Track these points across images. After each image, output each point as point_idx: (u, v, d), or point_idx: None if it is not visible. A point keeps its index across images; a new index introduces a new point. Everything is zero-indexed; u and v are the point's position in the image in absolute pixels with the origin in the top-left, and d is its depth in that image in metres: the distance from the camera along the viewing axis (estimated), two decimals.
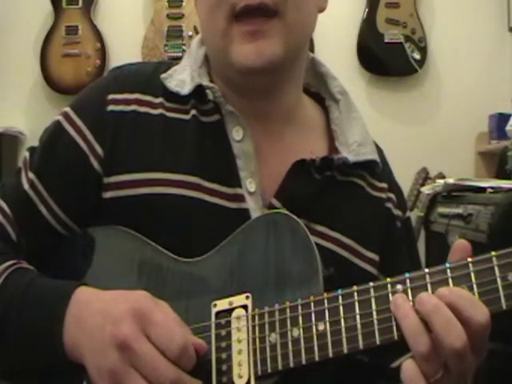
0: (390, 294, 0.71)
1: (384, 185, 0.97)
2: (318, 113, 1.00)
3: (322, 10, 0.94)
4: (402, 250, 0.98)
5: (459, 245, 0.72)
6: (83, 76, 3.35)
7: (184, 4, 3.33)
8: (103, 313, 0.74)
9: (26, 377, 0.83)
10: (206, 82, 0.90)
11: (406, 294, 0.71)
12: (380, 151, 1.00)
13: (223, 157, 0.89)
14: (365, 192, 0.95)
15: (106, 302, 0.76)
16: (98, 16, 3.48)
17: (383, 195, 0.97)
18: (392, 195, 0.98)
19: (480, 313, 0.66)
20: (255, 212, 0.86)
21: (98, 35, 3.41)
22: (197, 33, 3.25)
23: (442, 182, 2.53)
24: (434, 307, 0.66)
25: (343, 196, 0.92)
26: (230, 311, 0.78)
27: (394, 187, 1.00)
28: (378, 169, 0.95)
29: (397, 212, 0.98)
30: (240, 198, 0.87)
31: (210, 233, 0.84)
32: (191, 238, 0.85)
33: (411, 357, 0.68)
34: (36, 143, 0.95)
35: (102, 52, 3.40)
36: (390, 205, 0.97)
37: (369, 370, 0.91)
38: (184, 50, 3.22)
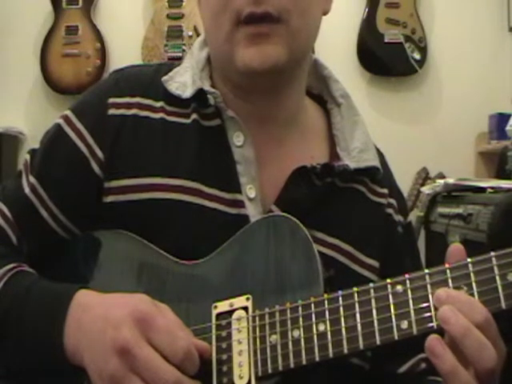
0: (391, 295, 0.71)
1: (385, 190, 0.97)
2: (320, 116, 0.99)
3: (326, 12, 0.94)
4: (404, 255, 0.97)
5: (454, 249, 0.72)
6: (83, 76, 3.35)
7: (184, 4, 3.32)
8: (104, 317, 0.74)
9: (27, 378, 0.83)
10: (207, 87, 0.90)
11: (406, 295, 0.71)
12: (381, 155, 1.00)
13: (223, 162, 0.89)
14: (365, 198, 0.94)
15: (106, 306, 0.76)
16: (98, 16, 3.48)
17: (384, 201, 0.96)
18: (393, 200, 0.98)
19: (478, 313, 0.67)
20: (255, 218, 0.86)
21: (98, 35, 3.41)
22: (197, 33, 3.25)
23: (441, 181, 2.53)
24: (465, 330, 0.66)
25: (343, 202, 0.92)
26: (230, 313, 0.78)
27: (395, 192, 1.00)
28: (379, 175, 0.95)
29: (398, 217, 0.98)
30: (240, 204, 0.87)
31: (209, 238, 0.84)
32: (191, 243, 0.85)
33: None
34: (36, 143, 0.95)
35: (102, 52, 3.40)
36: (390, 210, 0.97)
37: (372, 377, 0.91)
38: (184, 50, 3.22)
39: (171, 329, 0.73)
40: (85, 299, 0.79)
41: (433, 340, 0.67)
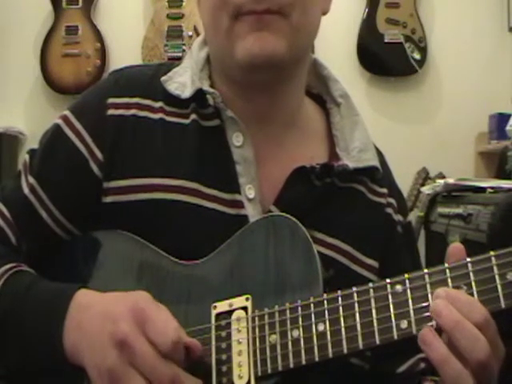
0: (390, 295, 0.71)
1: (384, 190, 0.97)
2: (320, 116, 0.99)
3: (325, 12, 0.94)
4: (404, 255, 0.97)
5: (454, 248, 0.72)
6: (83, 76, 3.35)
7: (184, 4, 3.33)
8: (103, 313, 0.75)
9: (27, 378, 0.83)
10: (206, 87, 0.90)
11: (406, 295, 0.71)
12: (380, 155, 1.00)
13: (223, 162, 0.89)
14: (365, 198, 0.94)
15: (105, 304, 0.76)
16: (98, 16, 3.48)
17: (383, 201, 0.96)
18: (392, 200, 0.98)
19: (477, 313, 0.67)
20: (254, 218, 0.86)
21: (98, 35, 3.41)
22: (197, 33, 3.25)
23: (441, 181, 2.53)
24: (457, 324, 0.66)
25: (343, 202, 0.92)
26: (230, 313, 0.78)
27: (395, 192, 1.00)
28: (378, 174, 0.95)
29: (397, 217, 0.98)
30: (239, 205, 0.87)
31: (208, 238, 0.84)
32: (190, 243, 0.85)
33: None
34: (36, 143, 0.95)
35: (102, 52, 3.40)
36: (390, 210, 0.97)
37: (372, 376, 0.91)
38: (184, 50, 3.22)
39: (163, 319, 0.72)
40: (85, 298, 0.79)
41: (424, 330, 0.68)
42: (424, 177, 3.14)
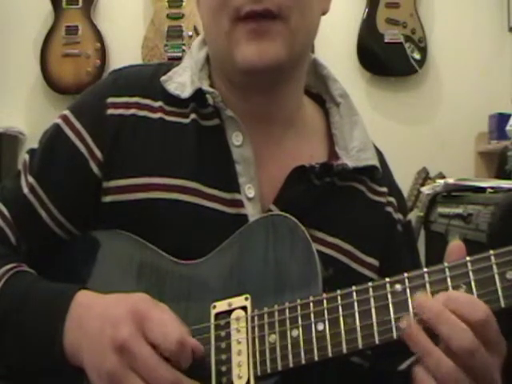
0: (389, 294, 0.71)
1: (384, 189, 0.97)
2: (319, 115, 0.99)
3: (325, 12, 0.94)
4: (403, 253, 0.98)
5: (454, 247, 0.72)
6: (83, 76, 3.35)
7: (184, 4, 3.33)
8: (102, 315, 0.75)
9: (27, 378, 0.83)
10: (206, 87, 0.90)
11: (405, 294, 0.71)
12: (380, 154, 1.00)
13: (222, 162, 0.89)
14: (365, 197, 0.94)
15: (106, 305, 0.76)
16: (98, 16, 3.48)
17: (383, 199, 0.96)
18: (392, 199, 0.98)
19: (478, 310, 0.67)
20: (254, 218, 0.86)
21: (98, 35, 3.41)
22: (197, 33, 3.25)
23: (441, 182, 2.53)
24: (439, 312, 0.67)
25: (343, 201, 0.92)
26: (229, 312, 0.78)
27: (394, 191, 1.00)
28: (378, 174, 0.95)
29: (397, 216, 0.98)
30: (239, 204, 0.87)
31: (208, 238, 0.84)
32: (190, 243, 0.85)
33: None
34: (36, 143, 0.95)
35: (102, 52, 3.40)
36: (390, 209, 0.97)
37: (372, 375, 0.91)
38: (184, 50, 3.22)
39: (164, 320, 0.73)
40: (85, 299, 0.79)
41: (406, 324, 0.68)
42: (424, 177, 3.14)
